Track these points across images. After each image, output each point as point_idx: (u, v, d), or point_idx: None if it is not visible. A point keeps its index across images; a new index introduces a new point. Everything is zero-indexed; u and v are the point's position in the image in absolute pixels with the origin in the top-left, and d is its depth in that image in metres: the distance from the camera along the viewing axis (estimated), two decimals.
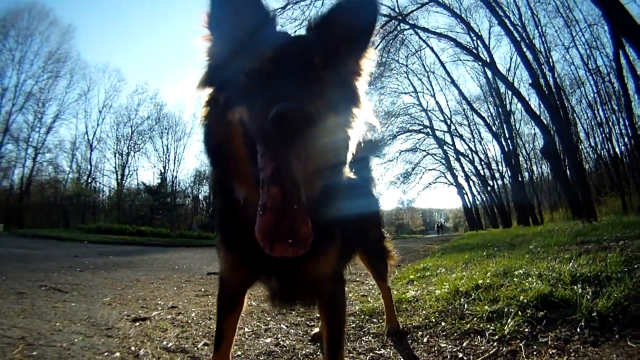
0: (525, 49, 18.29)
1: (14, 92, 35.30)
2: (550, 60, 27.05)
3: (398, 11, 18.82)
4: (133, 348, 2.13)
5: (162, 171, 43.39)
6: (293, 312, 3.12)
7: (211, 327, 2.65)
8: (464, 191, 41.39)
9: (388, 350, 2.23)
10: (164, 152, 44.47)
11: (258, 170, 1.00)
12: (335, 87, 1.15)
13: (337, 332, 1.44)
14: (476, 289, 3.02)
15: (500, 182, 39.27)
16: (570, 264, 3.22)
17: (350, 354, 2.18)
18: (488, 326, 2.25)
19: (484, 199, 41.35)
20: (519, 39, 18.41)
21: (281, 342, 2.41)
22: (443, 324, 2.50)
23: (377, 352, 2.21)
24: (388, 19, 17.52)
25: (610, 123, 28.35)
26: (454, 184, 41.47)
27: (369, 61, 1.28)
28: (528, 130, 36.96)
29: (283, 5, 15.82)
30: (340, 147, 1.20)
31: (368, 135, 2.13)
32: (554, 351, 1.83)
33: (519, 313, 2.29)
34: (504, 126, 31.72)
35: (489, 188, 38.13)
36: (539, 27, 25.99)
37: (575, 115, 29.37)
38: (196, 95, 1.24)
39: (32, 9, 36.92)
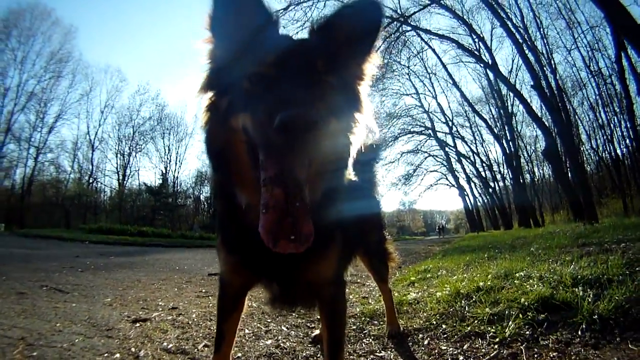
0: (527, 51, 18.31)
1: (16, 91, 35.40)
2: (552, 62, 27.07)
3: (400, 13, 18.87)
4: (133, 349, 2.13)
5: (164, 172, 43.56)
6: (294, 314, 3.12)
7: (212, 328, 2.65)
8: (466, 193, 41.34)
9: (389, 352, 2.23)
10: (165, 152, 44.62)
11: (260, 175, 1.00)
12: (338, 91, 1.14)
13: (338, 334, 1.44)
14: (477, 291, 3.02)
15: (501, 183, 39.28)
16: (572, 266, 3.22)
17: (351, 357, 2.17)
18: (489, 329, 2.25)
19: (485, 200, 41.41)
20: (520, 40, 18.44)
21: (282, 344, 2.41)
22: (444, 326, 2.49)
23: (377, 354, 2.21)
24: (390, 21, 17.53)
25: (611, 125, 28.38)
26: (456, 185, 41.39)
27: (372, 65, 1.26)
28: (530, 132, 37.10)
29: (285, 6, 15.89)
30: (342, 151, 1.19)
31: (369, 139, 2.13)
32: (555, 354, 1.82)
33: (520, 315, 2.28)
34: (506, 128, 31.65)
35: (490, 190, 38.10)
36: (541, 29, 26.03)
37: (576, 117, 29.41)
38: (197, 100, 1.22)
39: (34, 9, 37.02)
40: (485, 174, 38.83)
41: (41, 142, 37.20)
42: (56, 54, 38.04)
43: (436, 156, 41.42)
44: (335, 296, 1.44)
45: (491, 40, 26.45)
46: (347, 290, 1.62)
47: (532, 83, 16.22)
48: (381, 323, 2.75)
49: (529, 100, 19.08)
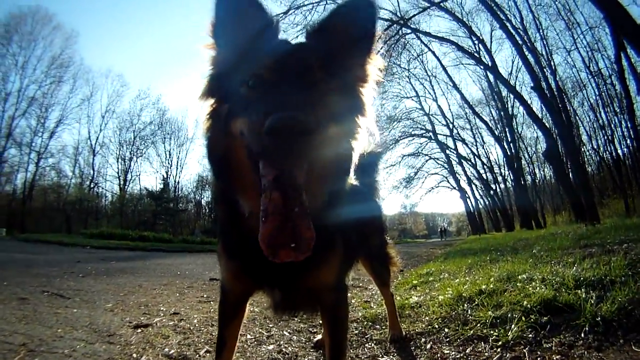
0: (526, 52, 18.37)
1: (17, 96, 35.58)
2: (552, 63, 27.18)
3: (400, 15, 18.94)
4: (135, 355, 2.13)
5: (165, 176, 43.61)
6: (295, 319, 3.11)
7: (213, 334, 2.64)
8: (467, 195, 41.36)
9: (391, 357, 2.22)
10: (166, 157, 44.65)
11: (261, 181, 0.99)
12: (338, 93, 1.13)
13: (340, 339, 1.44)
14: (479, 295, 3.00)
15: (502, 185, 39.28)
16: (574, 268, 3.20)
17: None
18: (492, 332, 2.23)
19: (487, 202, 41.33)
20: (520, 42, 18.51)
21: (284, 349, 2.40)
22: (446, 330, 2.48)
23: (379, 359, 2.20)
24: (390, 23, 17.60)
25: (612, 125, 28.39)
26: (457, 188, 41.41)
27: (375, 68, 1.25)
28: (530, 133, 37.05)
29: (285, 10, 15.96)
30: (343, 155, 1.18)
31: (371, 144, 2.13)
32: (558, 357, 1.81)
33: (523, 318, 2.27)
34: (506, 130, 31.71)
35: (491, 192, 38.08)
36: (541, 30, 26.15)
37: (577, 117, 29.44)
38: (198, 106, 1.23)
39: (35, 14, 37.24)
40: (487, 176, 38.90)
41: (42, 147, 37.43)
42: (57, 59, 38.31)
43: (437, 159, 41.53)
44: (337, 301, 1.43)
45: (491, 42, 26.63)
46: (349, 294, 1.62)
47: (532, 84, 16.26)
48: (383, 327, 2.74)
49: (529, 102, 19.14)
